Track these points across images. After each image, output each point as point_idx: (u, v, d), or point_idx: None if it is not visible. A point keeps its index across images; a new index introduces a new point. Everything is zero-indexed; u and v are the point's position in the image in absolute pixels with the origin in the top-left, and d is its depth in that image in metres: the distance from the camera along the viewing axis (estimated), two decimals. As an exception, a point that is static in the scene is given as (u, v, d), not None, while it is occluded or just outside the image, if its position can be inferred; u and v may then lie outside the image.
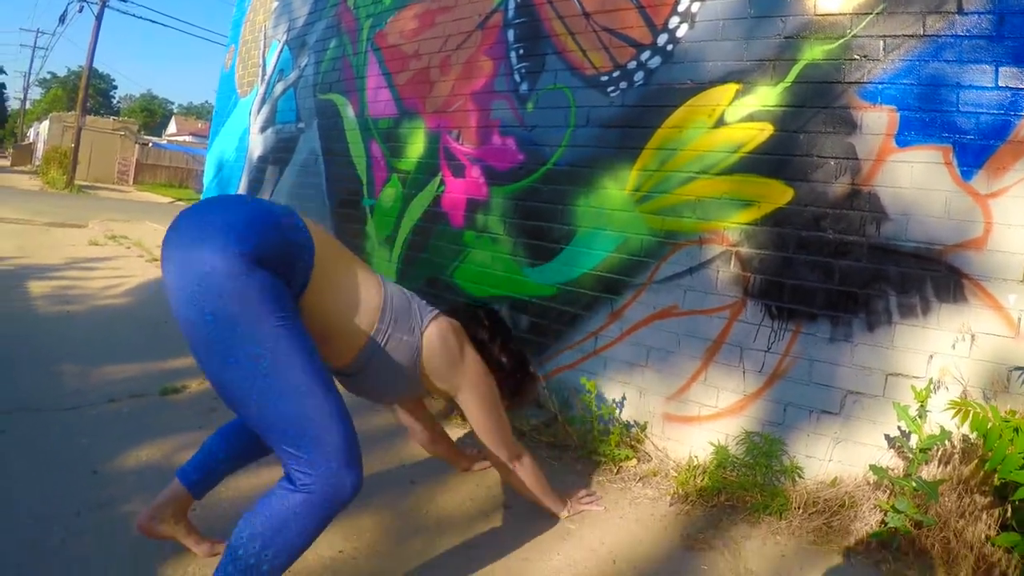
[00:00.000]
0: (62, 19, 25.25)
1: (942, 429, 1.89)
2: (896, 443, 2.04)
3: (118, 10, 23.50)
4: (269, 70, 5.12)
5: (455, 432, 2.61)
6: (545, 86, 2.97)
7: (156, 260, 6.48)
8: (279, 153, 4.84)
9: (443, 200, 3.36)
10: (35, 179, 22.03)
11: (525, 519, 2.08)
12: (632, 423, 2.56)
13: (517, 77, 3.10)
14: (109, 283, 5.33)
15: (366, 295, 1.58)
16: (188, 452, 2.30)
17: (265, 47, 5.29)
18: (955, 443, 1.94)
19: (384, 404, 1.96)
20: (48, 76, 58.78)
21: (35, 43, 43.99)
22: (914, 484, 1.81)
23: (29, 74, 49.26)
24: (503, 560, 1.86)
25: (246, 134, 5.34)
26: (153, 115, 66.91)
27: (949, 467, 1.92)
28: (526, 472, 1.96)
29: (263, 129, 5.08)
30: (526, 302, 2.95)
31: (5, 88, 64.46)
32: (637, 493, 2.25)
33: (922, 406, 1.91)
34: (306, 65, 4.61)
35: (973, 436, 1.79)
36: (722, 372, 2.37)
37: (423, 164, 3.51)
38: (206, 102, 73.23)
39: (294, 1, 4.94)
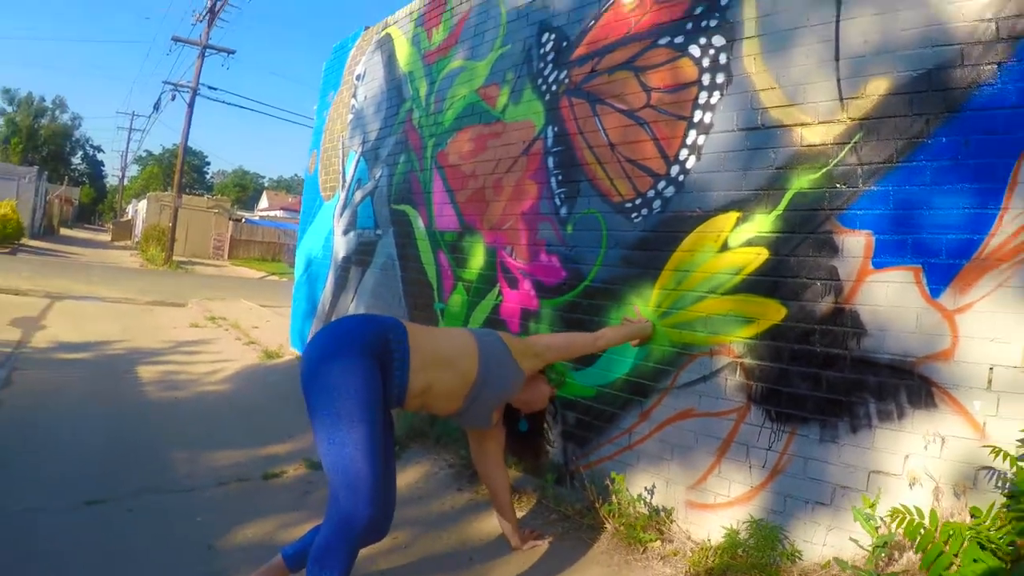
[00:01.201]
0: (156, 107, 28.65)
1: (890, 531, 2.33)
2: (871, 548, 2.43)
3: (208, 98, 27.02)
4: (348, 178, 6.10)
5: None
6: (581, 210, 3.66)
7: (253, 343, 7.56)
8: (360, 255, 5.76)
9: (502, 309, 4.08)
10: (135, 255, 25.03)
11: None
12: (660, 508, 3.11)
13: (557, 201, 3.80)
14: (211, 368, 6.40)
15: (462, 341, 2.66)
16: (287, 530, 3.11)
17: (344, 156, 6.29)
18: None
19: (495, 413, 2.85)
20: (144, 154, 65.61)
21: (131, 125, 49.83)
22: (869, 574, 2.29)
23: (126, 154, 55.41)
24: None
25: (331, 235, 6.32)
26: (245, 190, 74.17)
27: (905, 558, 2.36)
28: (607, 341, 3.13)
29: (345, 232, 6.04)
30: (573, 401, 3.58)
31: (103, 166, 73.00)
32: (658, 571, 2.81)
33: (872, 511, 2.38)
34: (380, 176, 5.53)
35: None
36: (733, 466, 2.90)
37: (483, 275, 4.26)
38: (295, 175, 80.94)
39: (366, 115, 5.92)
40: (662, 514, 3.10)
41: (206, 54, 22.71)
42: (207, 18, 22.35)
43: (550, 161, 3.89)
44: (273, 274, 23.30)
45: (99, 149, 73.19)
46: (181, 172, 23.54)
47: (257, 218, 40.91)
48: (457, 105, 4.69)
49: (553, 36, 4.02)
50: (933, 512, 2.25)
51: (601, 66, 3.68)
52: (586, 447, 3.50)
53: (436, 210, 4.77)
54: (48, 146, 57.80)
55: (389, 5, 5.93)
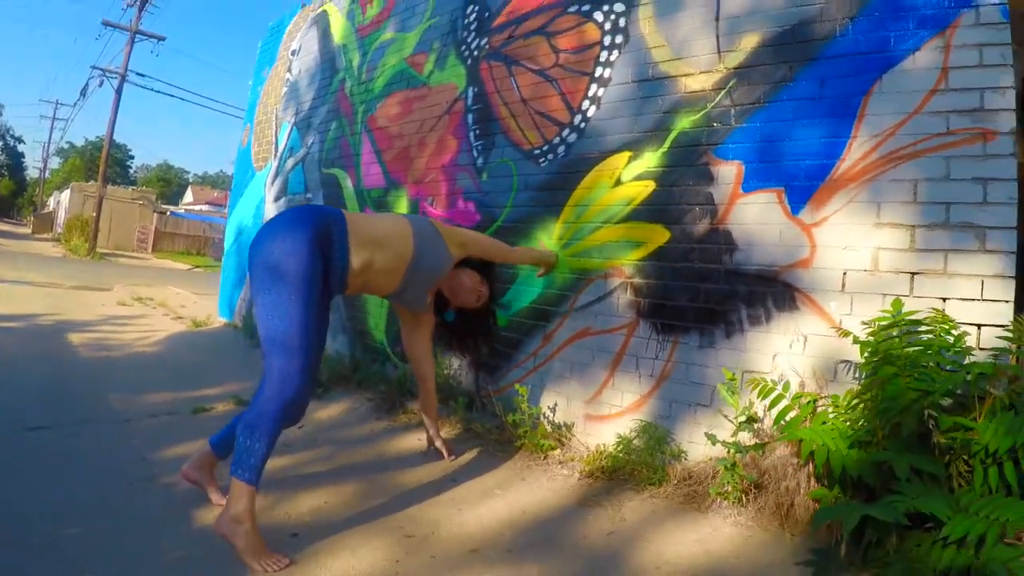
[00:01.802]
0: (83, 92, 27.48)
1: (750, 402, 2.62)
2: (735, 421, 2.70)
3: (137, 84, 25.80)
4: (281, 147, 6.20)
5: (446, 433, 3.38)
6: (495, 160, 3.90)
7: (181, 318, 7.48)
8: (290, 220, 5.83)
9: (421, 254, 4.25)
10: (58, 246, 24.06)
11: (464, 491, 2.88)
12: (562, 424, 3.33)
13: (475, 153, 4.04)
14: (141, 335, 6.35)
15: (397, 224, 2.82)
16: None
17: (277, 127, 6.39)
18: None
19: (428, 296, 3.05)
20: (66, 146, 62.35)
21: (54, 114, 47.68)
22: (734, 447, 2.54)
23: (48, 144, 52.56)
24: (445, 509, 2.68)
25: (262, 203, 6.38)
26: (169, 184, 70.95)
27: (774, 429, 2.61)
28: (519, 256, 3.45)
29: (276, 199, 6.12)
30: (484, 333, 3.77)
31: (24, 157, 69.17)
32: (555, 472, 3.02)
33: (733, 381, 2.66)
34: (312, 143, 5.67)
35: (764, 402, 2.52)
36: (625, 378, 3.15)
37: (405, 225, 4.43)
38: (221, 171, 78.57)
39: (300, 87, 6.05)
40: (563, 429, 3.32)
41: (136, 40, 22.09)
42: (138, 3, 21.79)
43: (469, 118, 4.12)
44: (199, 267, 22.55)
45: (20, 140, 68.86)
46: (107, 160, 22.70)
47: (183, 211, 39.47)
48: (387, 73, 4.89)
49: (476, 7, 4.27)
50: (787, 382, 2.52)
51: (518, 32, 3.94)
52: (496, 374, 3.70)
53: (364, 170, 4.94)
54: (-34, 137, 54.70)
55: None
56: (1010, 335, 2.16)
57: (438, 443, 3.23)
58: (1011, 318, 2.24)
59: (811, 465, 2.29)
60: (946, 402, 2.15)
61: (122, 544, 2.27)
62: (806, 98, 2.81)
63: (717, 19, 3.10)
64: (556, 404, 3.40)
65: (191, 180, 76.08)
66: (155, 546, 2.28)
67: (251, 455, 2.22)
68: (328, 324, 2.82)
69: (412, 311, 3.09)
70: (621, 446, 3.02)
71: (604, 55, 3.48)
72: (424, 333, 3.18)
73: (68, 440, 3.28)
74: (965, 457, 1.95)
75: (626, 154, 3.28)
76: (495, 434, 3.41)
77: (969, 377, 2.07)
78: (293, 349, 2.28)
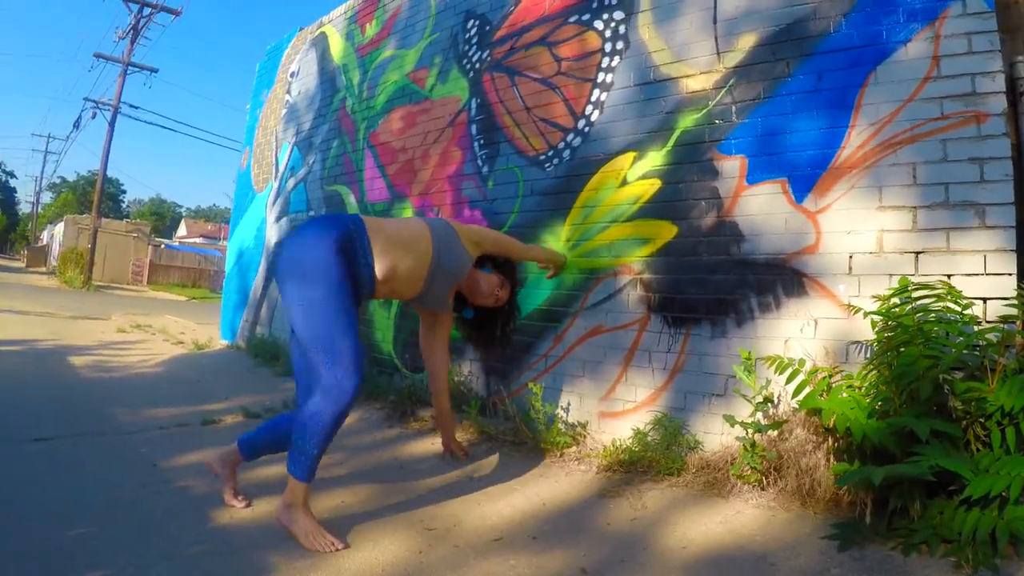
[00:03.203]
0: (76, 124, 27.48)
1: (767, 380, 2.68)
2: (752, 400, 2.76)
3: (130, 116, 25.93)
4: (281, 168, 6.30)
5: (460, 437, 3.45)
6: (500, 167, 4.00)
7: (181, 343, 7.46)
8: (293, 238, 5.90)
9: (427, 263, 4.31)
10: (52, 279, 23.93)
11: (483, 487, 2.91)
12: (576, 423, 3.37)
13: (479, 161, 4.14)
14: (143, 358, 6.34)
15: (416, 227, 2.87)
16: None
17: (277, 148, 6.50)
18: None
19: (449, 297, 3.05)
20: (58, 180, 62.41)
21: (47, 148, 47.98)
22: (753, 426, 2.59)
23: (41, 178, 52.82)
24: (465, 504, 2.71)
25: (263, 224, 6.46)
26: (163, 218, 71.10)
27: (791, 412, 2.66)
28: (534, 254, 3.46)
29: (278, 219, 6.19)
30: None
31: (16, 192, 68.92)
32: (572, 468, 3.05)
33: (749, 361, 2.71)
34: (314, 162, 5.77)
35: (781, 377, 2.57)
36: (638, 373, 3.21)
37: (410, 235, 4.50)
38: (214, 205, 79.04)
39: (300, 108, 6.17)
40: (578, 427, 3.36)
41: (128, 72, 22.17)
42: (130, 35, 21.89)
43: (473, 128, 4.23)
44: (195, 298, 22.46)
45: (11, 175, 69.03)
46: (101, 192, 22.60)
47: (177, 244, 39.43)
48: (389, 89, 5.00)
49: (477, 22, 4.41)
50: (802, 359, 2.58)
51: (519, 44, 4.06)
52: (507, 377, 3.75)
53: (367, 185, 5.03)
54: (-43, 172, 54.62)
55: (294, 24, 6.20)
56: (1016, 305, 2.24)
57: (453, 445, 3.26)
58: (1015, 289, 2.32)
59: (830, 441, 2.34)
60: (957, 375, 2.22)
61: (137, 539, 2.28)
62: (804, 92, 2.92)
63: (715, 22, 3.22)
64: (569, 403, 3.45)
65: (184, 213, 76.14)
66: (171, 541, 2.29)
67: (306, 456, 2.30)
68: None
69: (432, 312, 3.13)
70: (637, 440, 3.06)
71: (606, 61, 3.59)
72: (442, 333, 3.21)
73: (76, 450, 3.28)
74: (982, 420, 2.01)
75: (631, 154, 3.38)
76: (509, 436, 3.44)
77: (978, 350, 2.14)
78: (337, 353, 2.31)
